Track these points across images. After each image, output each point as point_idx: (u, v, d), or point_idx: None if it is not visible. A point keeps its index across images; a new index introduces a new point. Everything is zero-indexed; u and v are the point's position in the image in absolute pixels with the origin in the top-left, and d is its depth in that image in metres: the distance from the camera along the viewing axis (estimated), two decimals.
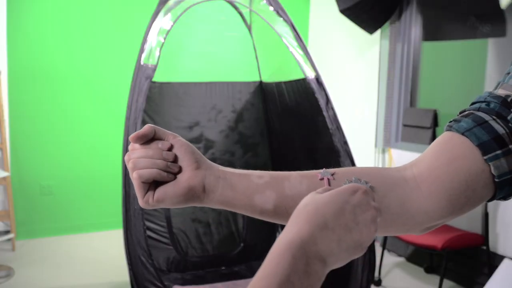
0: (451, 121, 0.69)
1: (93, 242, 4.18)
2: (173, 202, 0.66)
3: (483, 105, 0.68)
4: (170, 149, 0.66)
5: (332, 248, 0.51)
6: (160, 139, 0.66)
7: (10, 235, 3.90)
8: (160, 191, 0.65)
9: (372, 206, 0.56)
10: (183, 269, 3.31)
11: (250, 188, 0.66)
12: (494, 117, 0.65)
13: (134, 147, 0.66)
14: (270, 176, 0.68)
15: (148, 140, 0.66)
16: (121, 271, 3.14)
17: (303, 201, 0.56)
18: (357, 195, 0.56)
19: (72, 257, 3.82)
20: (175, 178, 0.66)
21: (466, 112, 0.69)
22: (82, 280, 3.39)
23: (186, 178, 0.65)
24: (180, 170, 0.66)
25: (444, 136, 0.69)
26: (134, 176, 0.64)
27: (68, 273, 3.50)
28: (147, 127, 0.65)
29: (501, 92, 0.68)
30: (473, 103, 0.70)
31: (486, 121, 0.65)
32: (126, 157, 0.66)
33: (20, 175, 4.19)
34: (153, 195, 0.65)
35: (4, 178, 3.91)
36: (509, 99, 0.66)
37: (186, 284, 3.12)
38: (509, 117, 0.65)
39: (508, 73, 0.69)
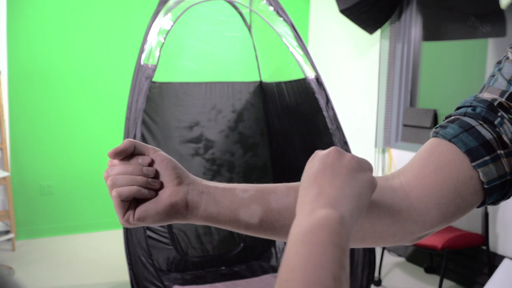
0: (437, 127, 0.68)
1: (93, 242, 4.18)
2: (154, 220, 0.63)
3: (469, 110, 0.66)
4: (151, 164, 0.63)
5: (350, 210, 0.52)
6: (140, 153, 0.63)
7: (10, 235, 3.90)
8: (141, 209, 0.62)
9: (347, 157, 0.57)
10: (183, 269, 3.31)
11: (235, 203, 0.64)
12: (481, 122, 0.64)
13: (113, 163, 0.63)
14: (256, 190, 0.65)
15: (127, 155, 0.63)
16: (121, 271, 3.15)
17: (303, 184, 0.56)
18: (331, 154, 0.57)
19: (72, 257, 3.82)
20: (156, 194, 0.63)
21: (452, 118, 0.67)
22: (82, 280, 3.39)
23: (167, 194, 0.62)
24: (161, 186, 0.63)
25: (431, 143, 0.67)
26: (113, 194, 0.61)
27: (68, 273, 3.50)
28: (126, 141, 0.62)
29: (486, 96, 0.66)
30: (458, 108, 0.69)
31: (473, 127, 0.64)
32: (104, 174, 0.63)
33: (20, 175, 4.19)
34: (134, 214, 0.62)
35: (4, 178, 3.91)
36: (495, 103, 0.65)
37: (186, 284, 3.11)
38: (496, 122, 0.64)
39: (493, 76, 0.68)
